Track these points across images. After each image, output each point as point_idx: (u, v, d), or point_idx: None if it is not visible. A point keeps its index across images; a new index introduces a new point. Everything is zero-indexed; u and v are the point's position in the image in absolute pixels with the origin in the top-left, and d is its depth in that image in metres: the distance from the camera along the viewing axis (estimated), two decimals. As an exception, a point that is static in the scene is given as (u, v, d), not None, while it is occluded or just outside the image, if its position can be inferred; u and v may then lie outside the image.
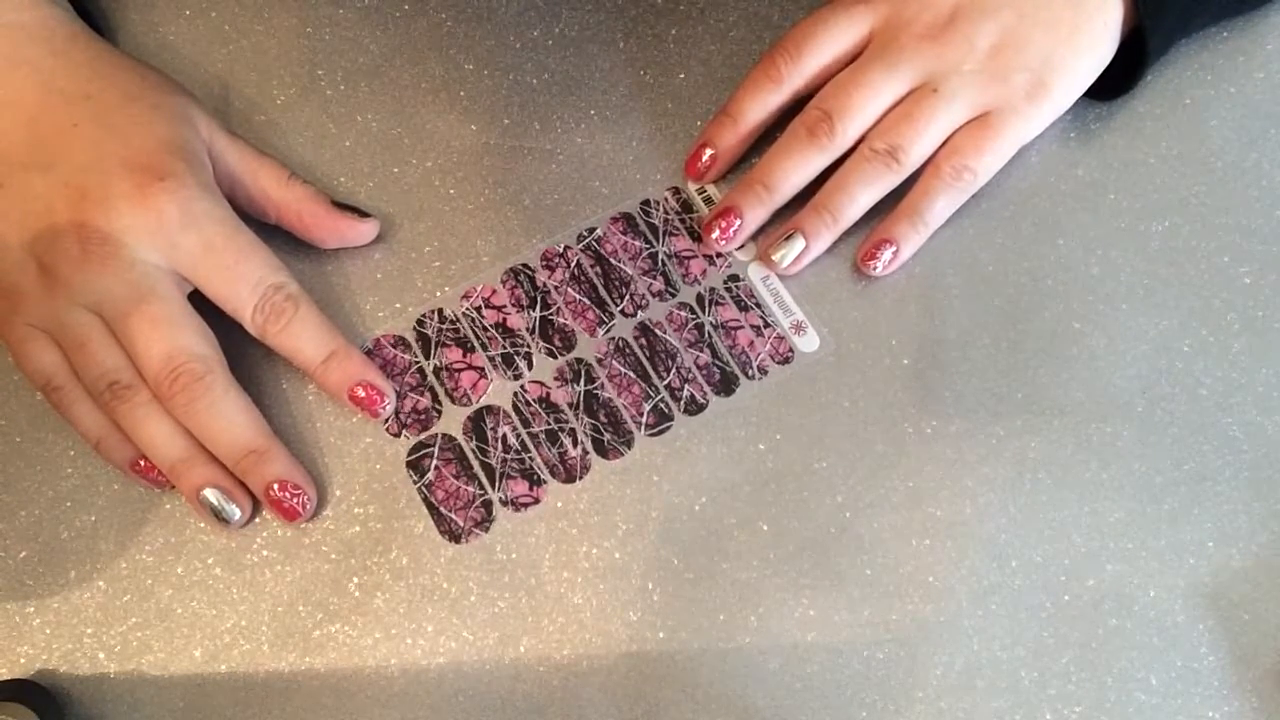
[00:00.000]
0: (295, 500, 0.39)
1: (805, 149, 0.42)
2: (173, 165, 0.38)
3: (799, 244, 0.43)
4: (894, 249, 0.43)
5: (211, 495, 0.38)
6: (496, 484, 0.41)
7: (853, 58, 0.43)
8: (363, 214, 0.43)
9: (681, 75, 0.47)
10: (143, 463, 0.39)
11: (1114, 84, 0.44)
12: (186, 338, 0.37)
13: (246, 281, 0.38)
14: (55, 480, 0.40)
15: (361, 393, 0.40)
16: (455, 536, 0.40)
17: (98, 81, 0.39)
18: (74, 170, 0.38)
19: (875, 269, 0.43)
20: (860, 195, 0.42)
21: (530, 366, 0.42)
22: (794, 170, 0.43)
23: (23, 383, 0.41)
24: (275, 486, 0.39)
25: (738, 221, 0.43)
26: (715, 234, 0.43)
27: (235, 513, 0.39)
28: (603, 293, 0.43)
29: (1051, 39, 0.42)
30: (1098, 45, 0.43)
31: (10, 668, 0.38)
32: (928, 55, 0.42)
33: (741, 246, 0.44)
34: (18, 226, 0.37)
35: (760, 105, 0.43)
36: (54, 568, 0.39)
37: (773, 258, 0.43)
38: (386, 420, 0.41)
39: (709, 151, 0.44)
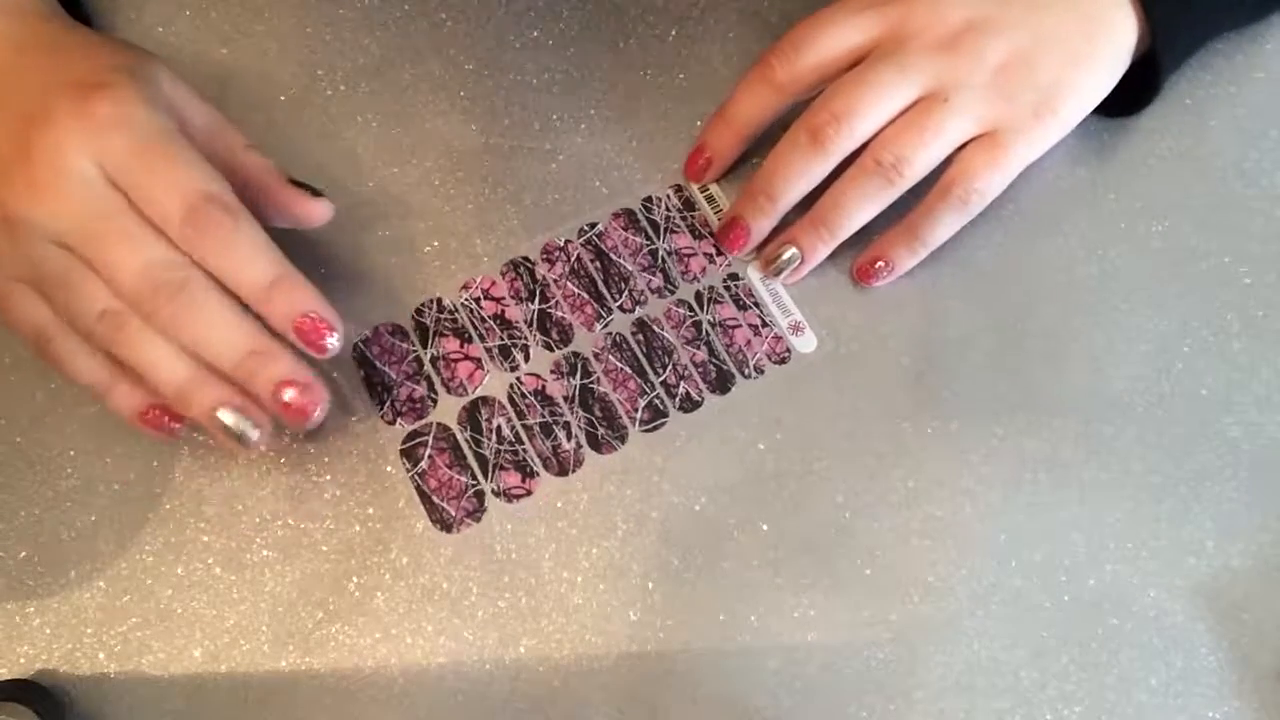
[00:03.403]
0: (306, 396, 0.36)
1: (807, 156, 0.41)
2: (115, 77, 0.36)
3: (795, 258, 0.43)
4: (890, 267, 0.43)
5: (227, 416, 0.36)
6: (489, 475, 0.41)
7: (852, 65, 0.41)
8: (315, 192, 0.40)
9: (681, 75, 0.47)
10: (152, 412, 0.37)
11: (1119, 101, 0.44)
12: (159, 250, 0.35)
13: (176, 187, 0.34)
14: (55, 480, 0.40)
15: (308, 323, 0.36)
16: (446, 526, 0.40)
17: (62, 53, 0.37)
18: (20, 103, 0.36)
19: (871, 284, 0.43)
20: (857, 211, 0.42)
21: (527, 359, 0.42)
22: (795, 179, 0.42)
23: (23, 382, 0.41)
24: (283, 386, 0.36)
25: (745, 234, 0.43)
26: (726, 247, 0.44)
27: (253, 432, 0.36)
28: (602, 288, 0.44)
29: (1062, 61, 0.41)
30: (1108, 68, 0.42)
31: (10, 668, 0.38)
32: (939, 63, 0.40)
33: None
34: None
35: (756, 108, 0.43)
36: (54, 568, 0.39)
37: (768, 269, 0.43)
38: (330, 354, 0.37)
39: (706, 154, 0.44)
